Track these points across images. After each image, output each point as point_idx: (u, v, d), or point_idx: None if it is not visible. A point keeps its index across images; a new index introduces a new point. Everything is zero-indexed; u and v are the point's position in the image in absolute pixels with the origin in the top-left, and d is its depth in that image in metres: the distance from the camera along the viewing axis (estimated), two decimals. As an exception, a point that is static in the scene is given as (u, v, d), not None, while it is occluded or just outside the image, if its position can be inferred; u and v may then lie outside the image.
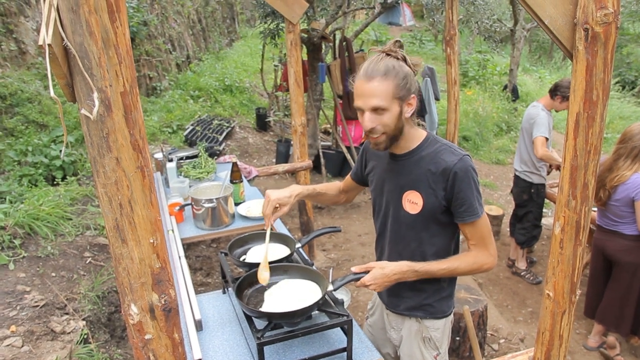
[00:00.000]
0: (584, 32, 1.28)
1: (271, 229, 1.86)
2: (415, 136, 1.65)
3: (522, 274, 4.39)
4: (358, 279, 1.62)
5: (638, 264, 3.05)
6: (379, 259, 1.87)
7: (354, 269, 1.64)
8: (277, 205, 1.78)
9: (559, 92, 3.83)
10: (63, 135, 4.67)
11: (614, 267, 3.19)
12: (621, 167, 2.98)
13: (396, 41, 1.56)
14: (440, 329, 1.80)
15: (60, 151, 4.24)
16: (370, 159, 1.85)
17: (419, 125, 1.70)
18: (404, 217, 1.67)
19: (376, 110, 1.51)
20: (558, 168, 4.14)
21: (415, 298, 1.75)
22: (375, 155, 1.80)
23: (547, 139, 3.83)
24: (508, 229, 4.66)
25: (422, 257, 1.68)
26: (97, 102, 0.92)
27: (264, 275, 1.70)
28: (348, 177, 2.01)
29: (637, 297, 3.12)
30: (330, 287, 1.62)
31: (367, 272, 1.62)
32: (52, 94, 0.86)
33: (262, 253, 1.78)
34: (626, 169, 2.96)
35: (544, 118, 3.84)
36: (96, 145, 0.98)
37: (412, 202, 1.63)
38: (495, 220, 5.01)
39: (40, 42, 0.86)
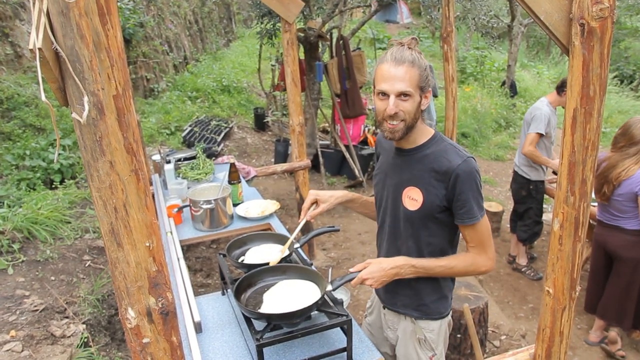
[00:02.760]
0: (579, 27, 1.27)
1: (304, 225, 1.89)
2: (424, 132, 1.66)
3: (523, 270, 4.38)
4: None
5: (639, 259, 3.05)
6: (379, 254, 1.86)
7: (351, 269, 1.64)
8: (316, 202, 1.81)
9: (564, 88, 3.82)
10: (60, 138, 4.66)
11: (614, 262, 3.19)
12: (627, 162, 2.99)
13: (413, 38, 1.57)
14: (435, 330, 1.78)
15: (58, 154, 4.23)
16: (380, 154, 1.85)
17: None
18: (402, 213, 1.67)
19: (401, 95, 1.51)
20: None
21: (412, 296, 1.75)
22: (385, 149, 1.80)
23: (541, 135, 3.84)
24: (508, 225, 4.66)
25: (419, 255, 1.68)
26: (86, 106, 0.91)
27: (275, 257, 1.85)
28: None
29: (638, 292, 3.12)
30: (329, 287, 1.62)
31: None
32: (43, 98, 0.85)
33: (278, 248, 1.95)
34: (632, 163, 2.97)
35: (544, 114, 3.83)
36: (89, 148, 0.97)
37: (412, 199, 1.63)
38: (495, 216, 5.00)
39: (31, 46, 0.85)
